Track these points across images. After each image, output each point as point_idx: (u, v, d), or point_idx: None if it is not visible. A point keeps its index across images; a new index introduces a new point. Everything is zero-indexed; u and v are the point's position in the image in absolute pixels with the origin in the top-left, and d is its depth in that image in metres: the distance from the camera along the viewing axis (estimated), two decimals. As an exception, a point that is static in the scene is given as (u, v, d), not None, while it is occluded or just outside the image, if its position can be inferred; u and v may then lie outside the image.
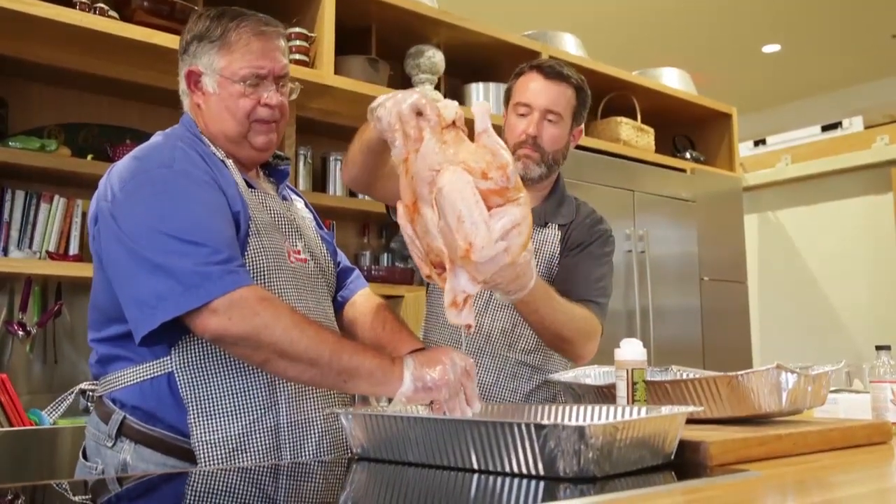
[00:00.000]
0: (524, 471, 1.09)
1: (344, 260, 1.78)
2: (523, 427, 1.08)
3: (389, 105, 1.31)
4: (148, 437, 1.39)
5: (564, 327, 1.70)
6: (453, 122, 1.28)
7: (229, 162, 1.51)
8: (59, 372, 2.78)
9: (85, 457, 1.48)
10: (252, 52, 1.49)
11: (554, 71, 1.92)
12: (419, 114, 1.28)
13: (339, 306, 1.71)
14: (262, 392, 1.41)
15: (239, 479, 1.26)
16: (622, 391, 1.48)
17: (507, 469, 1.10)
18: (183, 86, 1.55)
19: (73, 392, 1.64)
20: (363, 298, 1.73)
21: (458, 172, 1.23)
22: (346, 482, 1.26)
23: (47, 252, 2.66)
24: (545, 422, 1.08)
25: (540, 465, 1.07)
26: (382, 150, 1.49)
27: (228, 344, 1.32)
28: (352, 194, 3.50)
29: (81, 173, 2.68)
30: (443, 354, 1.35)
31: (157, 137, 1.52)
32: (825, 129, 5.70)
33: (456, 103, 1.31)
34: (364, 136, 1.49)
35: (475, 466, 1.14)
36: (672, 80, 4.52)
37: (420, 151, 1.27)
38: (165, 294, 1.28)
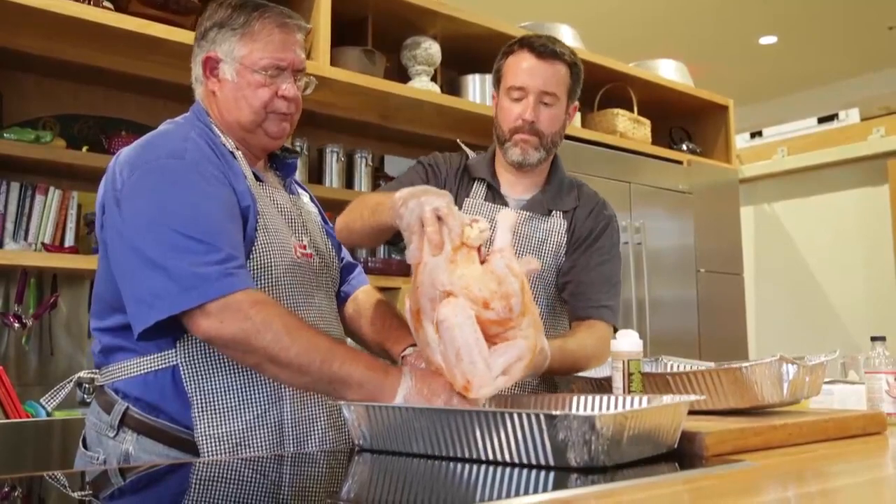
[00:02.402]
0: (533, 461, 1.08)
1: (347, 255, 1.78)
2: (532, 417, 1.07)
3: (412, 205, 1.30)
4: (151, 427, 1.38)
5: (580, 365, 1.69)
6: (470, 244, 1.28)
7: (239, 153, 1.49)
8: (54, 364, 2.77)
9: (85, 446, 1.48)
10: (274, 42, 1.48)
11: (547, 49, 1.82)
12: (439, 219, 1.27)
13: (341, 301, 1.71)
14: (266, 387, 1.41)
15: (244, 468, 1.26)
16: (618, 382, 1.48)
17: (516, 459, 1.10)
18: (198, 72, 1.53)
19: (71, 381, 1.63)
20: (365, 295, 1.73)
21: (458, 306, 1.22)
22: (350, 473, 1.26)
23: (43, 244, 2.65)
24: (555, 412, 1.08)
25: (549, 456, 1.07)
26: (391, 232, 1.48)
27: (220, 346, 1.33)
28: (349, 186, 3.50)
29: (77, 165, 2.68)
30: (442, 386, 1.29)
31: (167, 125, 1.51)
32: (821, 120, 5.70)
33: (487, 230, 1.28)
34: (380, 218, 1.45)
35: (482, 457, 1.13)
36: (669, 71, 4.52)
37: (429, 264, 1.26)
38: (162, 293, 1.28)
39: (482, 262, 1.29)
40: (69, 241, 2.70)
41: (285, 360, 1.29)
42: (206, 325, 1.28)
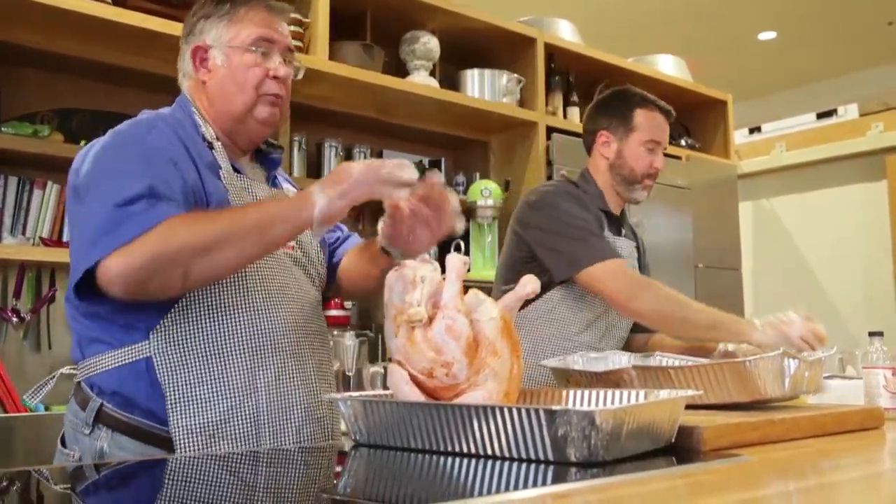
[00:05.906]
0: (532, 456, 1.08)
1: (343, 228, 1.79)
2: (532, 412, 1.07)
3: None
4: (125, 424, 1.37)
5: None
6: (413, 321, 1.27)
7: (217, 144, 1.49)
8: (52, 358, 2.77)
9: (63, 444, 1.46)
10: (259, 22, 1.51)
11: (670, 112, 2.25)
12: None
13: (335, 265, 1.71)
14: (241, 377, 1.39)
15: (237, 464, 1.25)
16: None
17: (515, 454, 1.10)
18: (187, 66, 1.54)
19: (54, 376, 1.62)
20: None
21: (395, 373, 1.25)
22: (347, 468, 1.25)
23: (41, 238, 2.65)
24: (555, 407, 1.08)
25: (549, 451, 1.07)
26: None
27: (138, 278, 1.26)
28: (346, 181, 3.49)
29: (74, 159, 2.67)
30: (350, 168, 1.34)
31: (143, 114, 1.51)
32: (820, 116, 5.70)
33: (423, 306, 1.25)
34: None
35: (480, 452, 1.13)
36: (667, 67, 4.51)
37: (386, 325, 1.30)
38: (90, 240, 1.28)
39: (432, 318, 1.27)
40: (67, 235, 2.70)
41: (212, 241, 1.27)
42: (116, 264, 1.25)
